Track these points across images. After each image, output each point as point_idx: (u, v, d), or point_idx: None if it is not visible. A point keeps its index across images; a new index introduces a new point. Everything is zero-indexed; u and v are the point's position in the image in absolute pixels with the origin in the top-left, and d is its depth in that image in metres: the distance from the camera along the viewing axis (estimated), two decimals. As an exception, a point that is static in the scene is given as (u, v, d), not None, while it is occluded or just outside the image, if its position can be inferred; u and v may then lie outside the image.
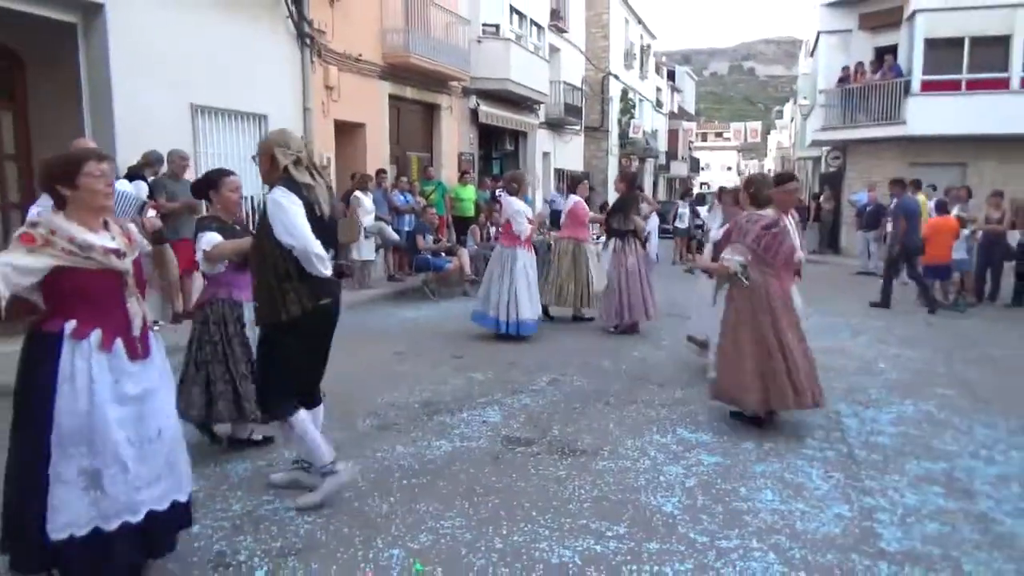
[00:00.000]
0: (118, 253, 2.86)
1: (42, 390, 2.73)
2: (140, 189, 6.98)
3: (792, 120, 45.19)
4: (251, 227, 4.89)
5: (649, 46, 36.69)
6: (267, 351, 3.76)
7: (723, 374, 5.24)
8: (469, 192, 14.57)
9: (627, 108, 31.09)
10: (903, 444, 4.98)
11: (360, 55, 12.55)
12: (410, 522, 3.68)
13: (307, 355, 3.79)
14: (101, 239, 2.84)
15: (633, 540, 3.54)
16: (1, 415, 2.88)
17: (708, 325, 5.89)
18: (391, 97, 13.78)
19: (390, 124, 13.85)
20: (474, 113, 17.16)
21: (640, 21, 33.77)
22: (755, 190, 5.35)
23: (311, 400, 3.92)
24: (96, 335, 2.79)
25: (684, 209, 18.61)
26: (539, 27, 21.02)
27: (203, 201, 5.11)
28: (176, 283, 3.32)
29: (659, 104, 40.17)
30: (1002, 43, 17.50)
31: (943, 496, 4.12)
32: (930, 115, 17.73)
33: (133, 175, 7.44)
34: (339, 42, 11.91)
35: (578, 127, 25.82)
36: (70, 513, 2.71)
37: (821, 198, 21.77)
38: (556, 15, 23.12)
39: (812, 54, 26.32)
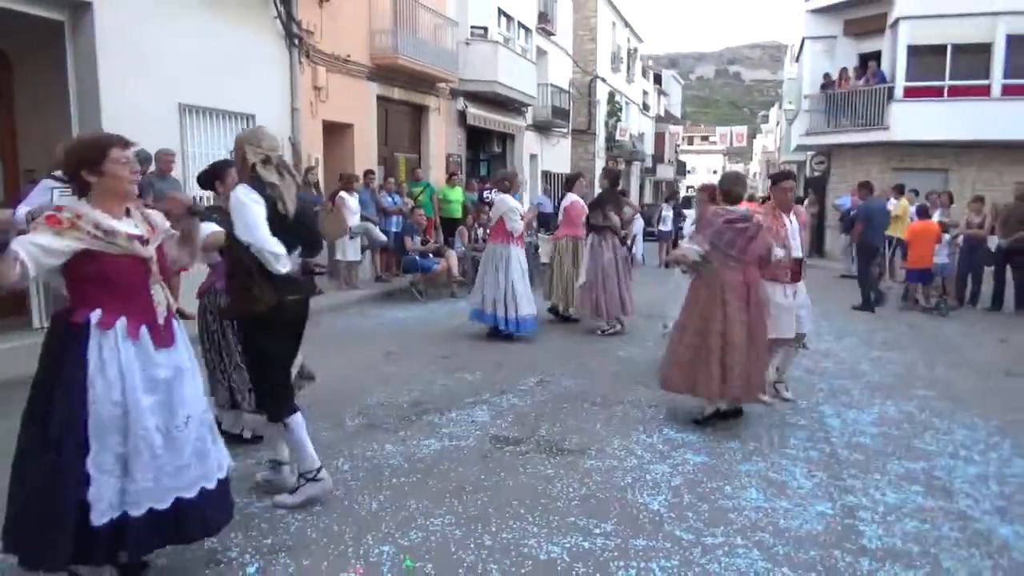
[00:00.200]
0: (142, 240, 2.85)
1: (72, 383, 2.70)
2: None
3: (777, 124, 45.49)
4: None
5: (636, 49, 36.89)
6: (246, 348, 3.82)
7: (666, 357, 5.44)
8: (457, 194, 14.60)
9: (614, 111, 31.23)
10: (885, 444, 5.06)
11: (348, 56, 12.55)
12: (400, 519, 3.72)
13: (277, 350, 3.82)
14: (125, 226, 2.83)
15: (620, 537, 3.59)
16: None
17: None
18: (379, 98, 13.79)
19: (378, 125, 13.86)
20: (462, 115, 17.19)
21: (627, 25, 33.94)
22: (727, 187, 5.47)
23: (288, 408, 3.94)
24: (122, 323, 2.77)
25: (668, 212, 18.73)
26: (527, 30, 21.10)
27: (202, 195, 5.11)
28: (198, 258, 3.37)
29: (646, 107, 40.37)
30: (983, 51, 17.75)
31: (923, 495, 4.20)
32: (913, 121, 17.97)
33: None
34: (327, 43, 11.91)
35: (565, 130, 25.92)
36: (106, 500, 2.71)
37: (805, 202, 21.92)
38: (544, 18, 23.21)
39: (797, 59, 26.51)
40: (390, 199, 12.55)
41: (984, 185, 16.79)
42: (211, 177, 4.49)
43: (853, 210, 16.09)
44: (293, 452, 3.89)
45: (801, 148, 23.60)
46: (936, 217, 11.99)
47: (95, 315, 2.74)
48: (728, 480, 4.35)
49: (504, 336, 8.13)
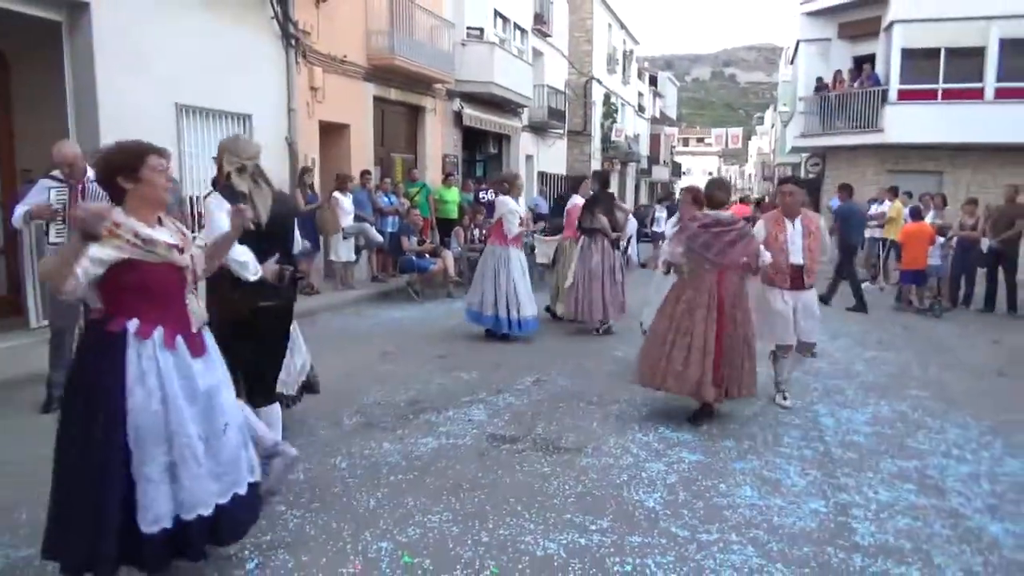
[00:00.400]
0: (179, 248, 2.86)
1: (111, 392, 2.69)
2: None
3: (772, 126, 45.62)
4: None
5: (632, 51, 36.96)
6: (223, 353, 3.86)
7: (639, 353, 5.67)
8: (453, 194, 14.64)
9: (610, 112, 31.27)
10: (878, 443, 5.11)
11: (345, 56, 12.57)
12: (398, 516, 3.75)
13: (256, 355, 3.86)
14: (161, 234, 2.82)
15: (616, 534, 3.63)
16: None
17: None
18: (376, 99, 13.81)
19: (374, 126, 13.88)
20: (458, 115, 17.22)
21: (623, 26, 34.00)
22: (709, 192, 5.62)
23: (266, 399, 4.00)
24: (159, 333, 2.77)
25: (661, 213, 18.80)
26: (523, 31, 21.14)
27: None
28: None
29: (641, 109, 40.42)
30: (977, 54, 17.82)
31: (915, 493, 4.25)
32: (907, 123, 18.05)
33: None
34: (324, 43, 11.93)
35: (561, 131, 25.96)
36: (158, 508, 2.72)
37: (800, 204, 22.03)
38: (540, 19, 23.25)
39: (792, 62, 26.64)
40: (386, 199, 12.57)
41: (978, 187, 16.88)
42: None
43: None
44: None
45: (796, 150, 23.70)
46: (929, 219, 12.07)
47: (132, 324, 2.73)
48: (723, 478, 4.39)
49: (501, 336, 8.15)
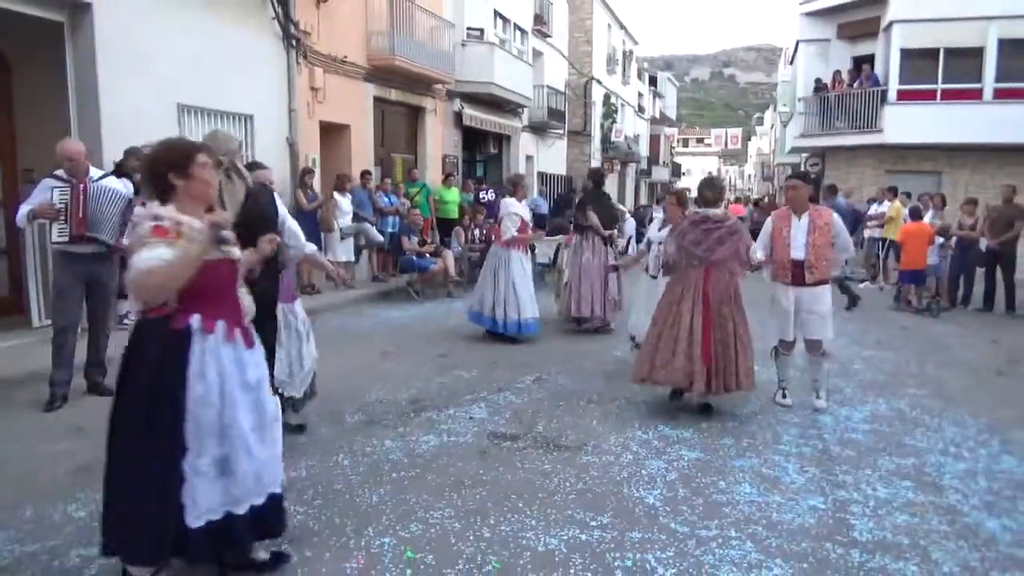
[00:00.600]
0: (232, 243, 2.89)
1: (175, 389, 2.71)
2: (128, 188, 6.99)
3: (772, 127, 45.63)
4: None
5: (631, 52, 37.00)
6: None
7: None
8: (453, 194, 14.67)
9: (609, 113, 31.31)
10: (876, 441, 5.14)
11: (345, 57, 12.60)
12: (400, 512, 3.78)
13: None
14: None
15: (616, 530, 3.66)
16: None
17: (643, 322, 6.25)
18: (376, 99, 13.84)
19: (375, 126, 13.92)
20: (458, 116, 17.26)
21: (623, 27, 34.04)
22: (698, 191, 5.74)
23: None
24: (221, 327, 2.81)
25: (658, 213, 18.81)
26: (523, 31, 21.17)
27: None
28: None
29: (641, 109, 40.46)
30: (976, 55, 17.88)
31: (913, 490, 4.28)
32: (906, 124, 18.10)
33: (120, 173, 7.45)
34: (325, 44, 11.97)
35: (561, 131, 26.00)
36: (207, 501, 2.75)
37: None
38: (539, 20, 23.29)
39: (791, 62, 26.67)
40: (387, 199, 12.60)
41: (977, 187, 16.93)
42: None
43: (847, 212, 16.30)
44: None
45: (795, 150, 23.73)
46: (928, 219, 12.10)
47: (195, 320, 2.76)
48: (722, 475, 4.43)
49: (501, 336, 8.17)
